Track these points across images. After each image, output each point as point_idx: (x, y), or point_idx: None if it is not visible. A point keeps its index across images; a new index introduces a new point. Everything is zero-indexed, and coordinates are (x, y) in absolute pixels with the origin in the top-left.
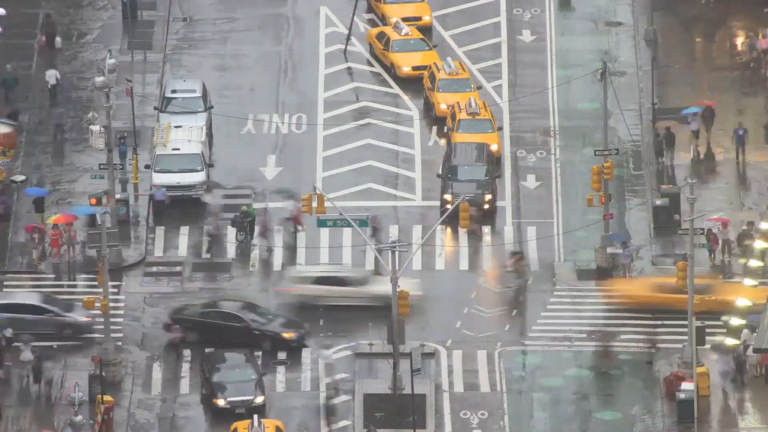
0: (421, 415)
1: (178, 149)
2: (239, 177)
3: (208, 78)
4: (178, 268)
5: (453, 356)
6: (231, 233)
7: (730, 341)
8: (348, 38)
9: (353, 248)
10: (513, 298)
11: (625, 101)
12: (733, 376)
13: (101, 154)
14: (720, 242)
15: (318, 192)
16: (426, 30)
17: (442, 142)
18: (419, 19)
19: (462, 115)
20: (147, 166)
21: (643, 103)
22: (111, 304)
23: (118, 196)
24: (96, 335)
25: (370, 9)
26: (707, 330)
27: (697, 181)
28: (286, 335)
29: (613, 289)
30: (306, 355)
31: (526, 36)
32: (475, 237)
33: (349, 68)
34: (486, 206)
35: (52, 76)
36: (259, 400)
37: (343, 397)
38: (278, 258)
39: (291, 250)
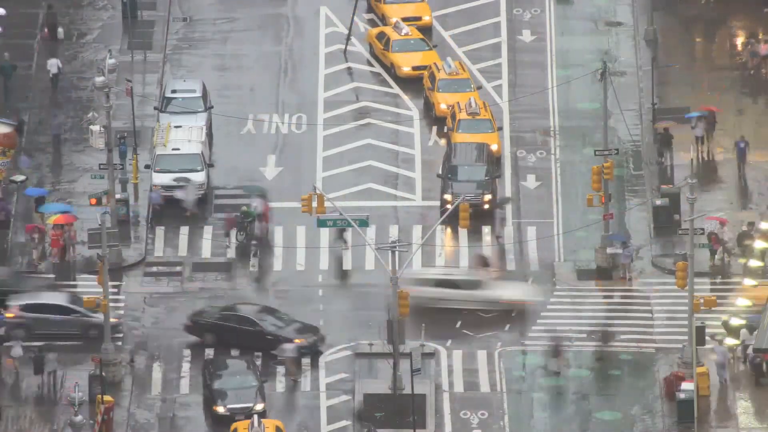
0: (421, 415)
1: (178, 149)
2: (239, 177)
3: (208, 78)
4: (178, 268)
5: (453, 356)
6: (231, 233)
7: (730, 341)
8: (348, 38)
9: (353, 248)
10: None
11: (625, 101)
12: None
13: (101, 154)
14: (719, 241)
15: (318, 192)
16: (426, 30)
17: (442, 142)
18: (419, 19)
19: (462, 115)
20: (147, 166)
21: (643, 103)
22: (111, 305)
23: (118, 196)
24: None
25: (370, 9)
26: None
27: (697, 183)
28: (296, 341)
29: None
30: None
31: (526, 36)
32: (475, 237)
33: (349, 68)
34: (486, 206)
35: (53, 65)
36: (259, 407)
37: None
38: (278, 259)
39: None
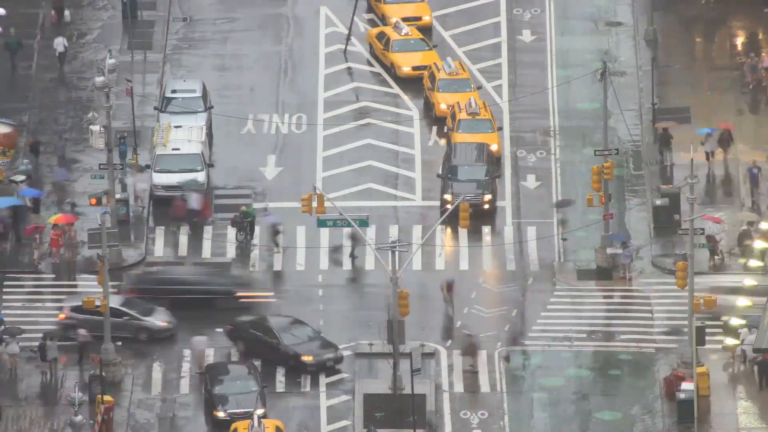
0: (421, 415)
1: (178, 149)
2: (239, 177)
3: (208, 78)
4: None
5: (453, 356)
6: (231, 233)
7: (730, 341)
8: (348, 38)
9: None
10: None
11: (625, 101)
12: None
13: (101, 154)
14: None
15: (318, 192)
16: (426, 30)
17: (442, 142)
18: (419, 19)
19: (462, 115)
20: (147, 166)
21: (643, 103)
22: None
23: (118, 196)
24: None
25: (370, 9)
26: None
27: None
28: (305, 357)
29: None
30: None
31: (526, 36)
32: (475, 237)
33: (349, 68)
34: (486, 206)
35: (59, 43)
36: (260, 412)
37: None
38: (278, 258)
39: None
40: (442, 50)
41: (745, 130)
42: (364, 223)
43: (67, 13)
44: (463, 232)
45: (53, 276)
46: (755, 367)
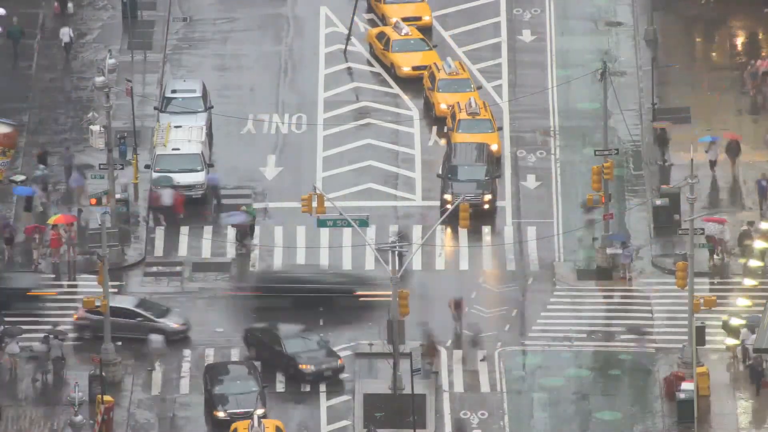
0: (421, 415)
1: (178, 149)
2: (239, 177)
3: (208, 78)
4: (178, 268)
5: (453, 356)
6: (231, 233)
7: (730, 341)
8: (348, 38)
9: (353, 248)
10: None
11: (625, 101)
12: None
13: (101, 154)
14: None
15: (318, 192)
16: (426, 30)
17: (442, 142)
18: (419, 19)
19: (462, 115)
20: (147, 166)
21: (643, 103)
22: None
23: (118, 196)
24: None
25: (370, 9)
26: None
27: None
28: (302, 366)
29: None
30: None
31: (526, 36)
32: (475, 237)
33: (349, 68)
34: (486, 206)
35: (65, 34)
36: (260, 412)
37: None
38: (278, 259)
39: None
40: (442, 50)
41: (745, 130)
42: (364, 223)
43: (70, 5)
44: (463, 232)
45: (53, 276)
46: (748, 371)
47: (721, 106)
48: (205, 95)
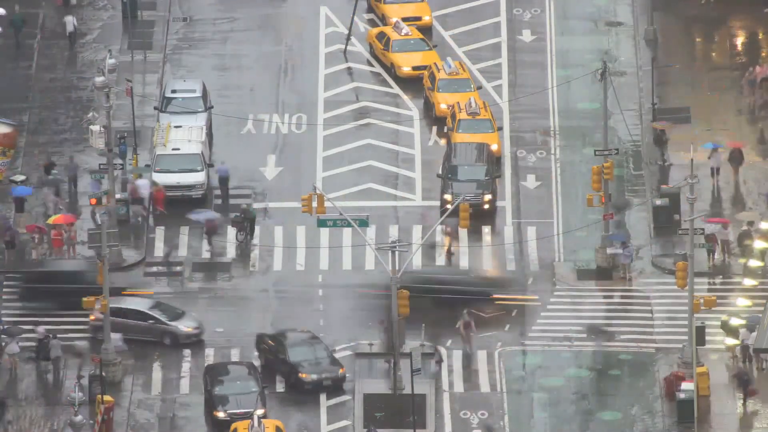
0: (421, 415)
1: (178, 149)
2: (239, 177)
3: (208, 78)
4: (178, 268)
5: (453, 356)
6: (231, 233)
7: (730, 341)
8: (348, 38)
9: (353, 248)
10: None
11: (625, 101)
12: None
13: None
14: (719, 242)
15: (318, 192)
16: (426, 30)
17: (442, 142)
18: (419, 19)
19: (462, 115)
20: (147, 166)
21: (643, 103)
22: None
23: (118, 196)
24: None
25: (370, 9)
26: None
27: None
28: (302, 375)
29: None
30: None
31: (526, 36)
32: (475, 237)
33: (349, 68)
34: (486, 206)
35: (69, 22)
36: (260, 412)
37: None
38: (278, 259)
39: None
40: (442, 50)
41: (744, 131)
42: (364, 223)
43: None
44: (463, 232)
45: None
46: (735, 380)
47: (721, 106)
48: (205, 95)
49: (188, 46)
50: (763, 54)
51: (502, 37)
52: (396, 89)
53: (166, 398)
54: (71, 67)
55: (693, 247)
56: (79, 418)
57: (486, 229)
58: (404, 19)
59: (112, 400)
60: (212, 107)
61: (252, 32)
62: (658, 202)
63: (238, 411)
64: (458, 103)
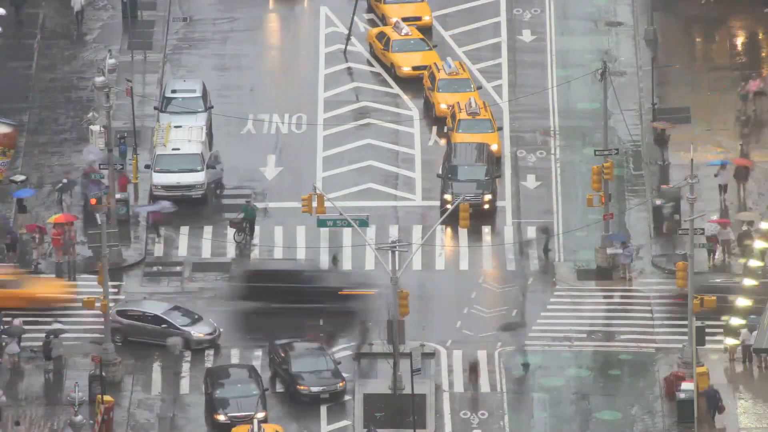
0: (421, 415)
1: (178, 149)
2: (239, 177)
3: (208, 78)
4: (178, 268)
5: (453, 356)
6: (231, 233)
7: (730, 341)
8: (348, 38)
9: (353, 248)
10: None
11: (625, 101)
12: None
13: (101, 154)
14: (720, 242)
15: (318, 192)
16: (426, 30)
17: (442, 142)
18: (419, 19)
19: (462, 115)
20: (147, 166)
21: (643, 103)
22: (111, 305)
23: (118, 196)
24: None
25: (370, 9)
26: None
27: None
28: (299, 387)
29: None
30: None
31: (526, 36)
32: (475, 237)
33: (349, 68)
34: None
35: (77, 2)
36: (261, 415)
37: None
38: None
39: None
40: (442, 50)
41: (744, 131)
42: (364, 223)
43: None
44: (463, 232)
45: (54, 276)
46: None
47: (721, 106)
48: (205, 95)
49: (188, 46)
50: (763, 54)
51: (502, 37)
52: (396, 89)
53: (166, 398)
54: (80, 43)
55: (693, 247)
56: (79, 418)
57: (486, 229)
58: (404, 19)
59: (112, 400)
60: (212, 107)
61: (252, 32)
62: (658, 202)
63: (238, 414)
64: (458, 103)
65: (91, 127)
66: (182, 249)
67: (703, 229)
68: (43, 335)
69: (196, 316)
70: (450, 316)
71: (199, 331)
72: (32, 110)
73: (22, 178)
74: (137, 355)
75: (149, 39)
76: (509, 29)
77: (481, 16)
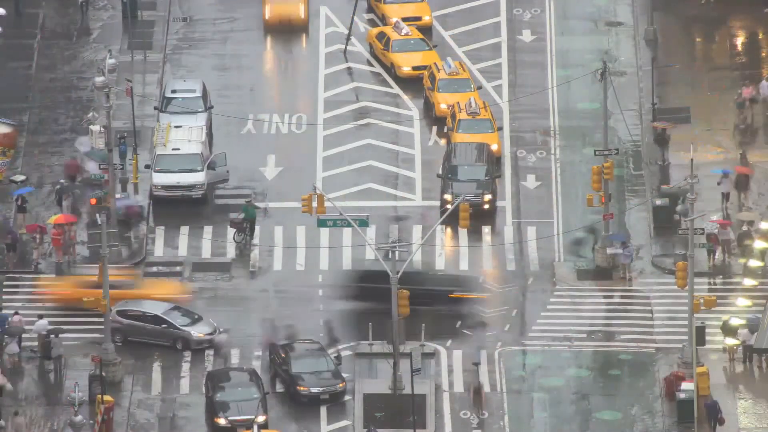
0: (421, 415)
1: (178, 149)
2: (239, 177)
3: (208, 78)
4: (178, 268)
5: (453, 356)
6: (230, 233)
7: (730, 341)
8: (348, 38)
9: (353, 248)
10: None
11: (625, 101)
12: None
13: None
14: (720, 242)
15: (318, 192)
16: (426, 30)
17: (442, 142)
18: (419, 19)
19: (462, 115)
20: (147, 166)
21: (643, 103)
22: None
23: (118, 196)
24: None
25: (370, 9)
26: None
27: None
28: (299, 388)
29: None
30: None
31: (526, 36)
32: (475, 237)
33: (349, 68)
34: (486, 206)
35: None
36: (261, 419)
37: None
38: (278, 259)
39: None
40: (442, 50)
41: (744, 131)
42: (364, 223)
43: None
44: (463, 232)
45: (54, 276)
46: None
47: (721, 106)
48: (205, 95)
49: (188, 46)
50: (763, 54)
51: (502, 37)
52: (396, 89)
53: (166, 398)
54: (83, 35)
55: (693, 247)
56: (79, 418)
57: (486, 229)
58: (404, 19)
59: (112, 400)
60: (212, 107)
61: (252, 32)
62: (658, 202)
63: (239, 418)
64: (458, 103)
65: (91, 127)
66: (182, 249)
67: (703, 229)
68: (35, 335)
69: (196, 316)
70: (450, 316)
71: (199, 331)
72: (32, 110)
73: (22, 178)
74: (137, 355)
75: (149, 39)
76: (509, 29)
77: (481, 16)
